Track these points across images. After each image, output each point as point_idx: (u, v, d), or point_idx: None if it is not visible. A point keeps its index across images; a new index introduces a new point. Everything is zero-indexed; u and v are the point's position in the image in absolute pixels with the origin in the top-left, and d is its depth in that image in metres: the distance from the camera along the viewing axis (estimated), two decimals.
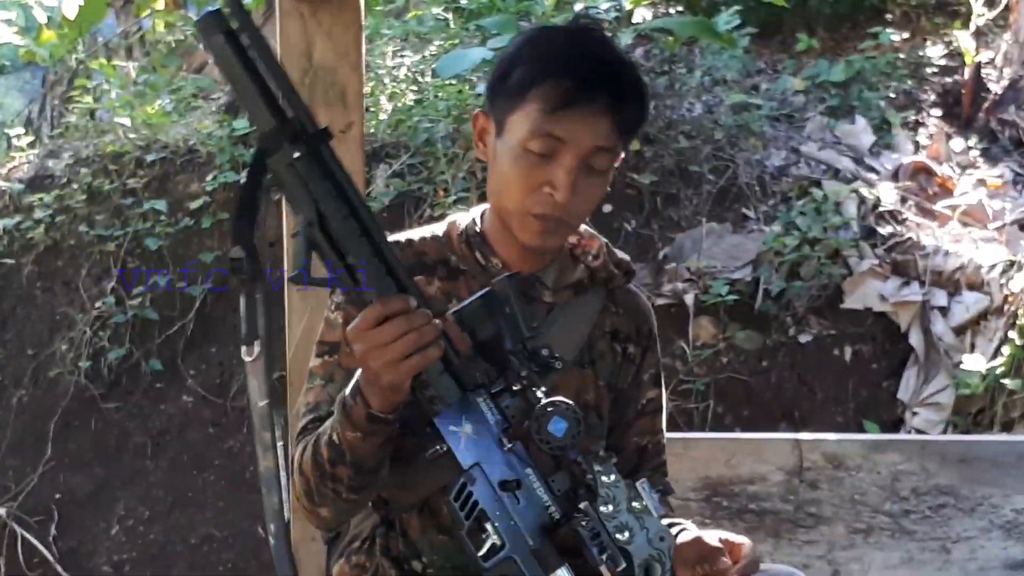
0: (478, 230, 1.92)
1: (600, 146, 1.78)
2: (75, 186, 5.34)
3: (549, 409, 1.56)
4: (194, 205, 5.24)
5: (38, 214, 5.27)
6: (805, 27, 6.72)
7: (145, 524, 4.85)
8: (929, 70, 6.38)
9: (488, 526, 1.56)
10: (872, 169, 5.58)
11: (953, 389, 4.65)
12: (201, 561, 4.77)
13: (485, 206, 1.96)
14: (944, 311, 4.87)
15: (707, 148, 5.54)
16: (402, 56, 6.07)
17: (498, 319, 1.59)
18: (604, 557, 1.55)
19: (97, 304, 5.11)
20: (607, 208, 5.30)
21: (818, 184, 5.36)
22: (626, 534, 1.56)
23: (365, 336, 1.52)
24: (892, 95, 6.13)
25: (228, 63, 1.46)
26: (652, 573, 1.56)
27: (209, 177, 5.26)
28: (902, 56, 6.41)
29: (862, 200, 5.27)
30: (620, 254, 2.05)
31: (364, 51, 3.21)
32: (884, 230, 5.17)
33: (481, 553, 1.56)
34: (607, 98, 1.76)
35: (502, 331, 1.59)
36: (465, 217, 1.97)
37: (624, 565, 1.56)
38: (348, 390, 1.64)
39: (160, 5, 6.54)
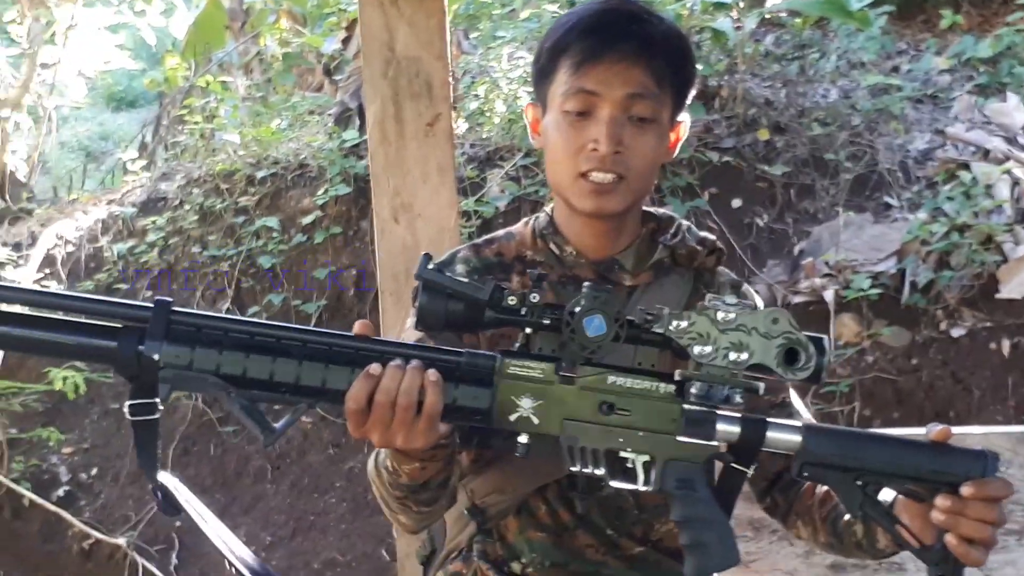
0: (549, 222, 1.89)
1: (634, 93, 1.73)
2: (187, 207, 5.27)
3: (575, 314, 1.45)
4: (306, 220, 5.11)
5: (151, 237, 5.21)
6: (949, 3, 6.33)
7: (267, 550, 4.71)
8: None
9: (623, 454, 1.49)
10: None
11: None
12: None
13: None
14: None
15: (843, 135, 5.24)
16: (518, 59, 5.86)
17: (444, 300, 1.47)
18: (736, 397, 1.46)
19: None
20: (736, 203, 5.03)
21: (966, 167, 5.00)
22: (743, 354, 1.43)
23: (367, 430, 1.45)
24: None
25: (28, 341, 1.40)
26: (797, 359, 1.43)
27: (320, 191, 5.14)
28: None
29: (1016, 182, 4.87)
30: (703, 233, 1.94)
31: (449, 40, 3.04)
32: None
33: (641, 481, 1.49)
34: (635, 46, 1.73)
35: (457, 304, 1.47)
36: (542, 214, 1.93)
37: (761, 385, 1.46)
38: None
39: (284, 23, 6.49)
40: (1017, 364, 4.53)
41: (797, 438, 1.47)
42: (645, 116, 1.75)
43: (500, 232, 1.96)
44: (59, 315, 1.41)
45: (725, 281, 1.94)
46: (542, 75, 1.80)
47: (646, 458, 1.49)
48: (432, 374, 1.44)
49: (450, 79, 2.99)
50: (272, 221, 5.12)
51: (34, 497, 4.77)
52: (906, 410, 4.55)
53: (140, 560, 4.67)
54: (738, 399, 1.46)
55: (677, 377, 1.47)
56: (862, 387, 4.56)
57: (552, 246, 1.86)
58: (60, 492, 4.93)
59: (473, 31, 6.40)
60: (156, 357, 1.37)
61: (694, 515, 1.48)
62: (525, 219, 1.95)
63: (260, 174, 5.28)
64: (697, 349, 1.44)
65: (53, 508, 4.75)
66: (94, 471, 4.93)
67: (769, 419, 1.49)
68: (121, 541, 4.69)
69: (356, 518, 4.71)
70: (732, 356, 1.43)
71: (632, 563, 1.84)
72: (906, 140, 5.27)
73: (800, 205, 5.08)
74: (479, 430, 1.53)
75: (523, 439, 1.48)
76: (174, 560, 4.73)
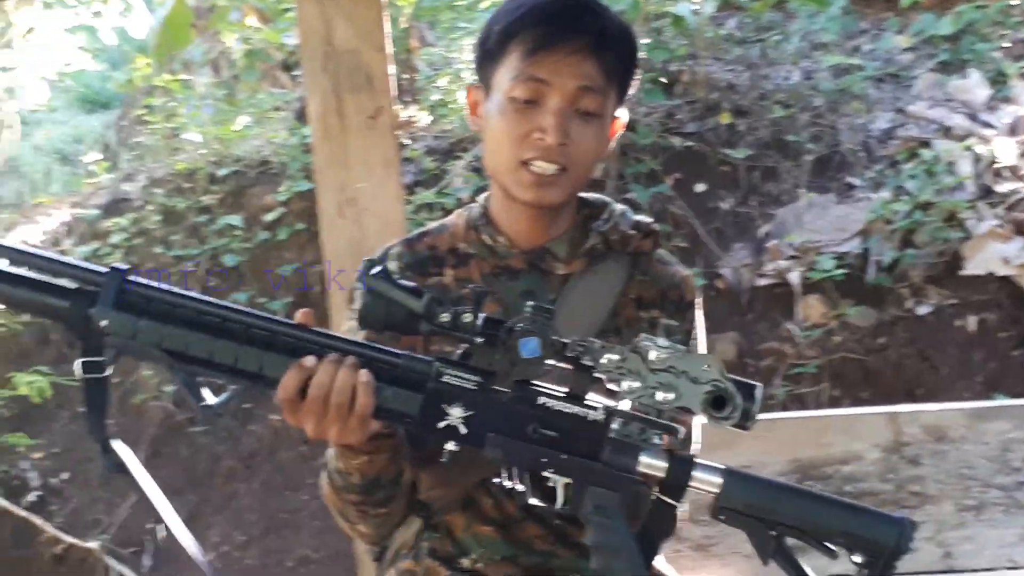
0: (483, 212, 1.90)
1: (586, 86, 1.74)
2: (150, 208, 5.24)
3: (513, 333, 1.47)
4: (270, 217, 5.09)
5: (115, 239, 5.19)
6: None
7: (240, 549, 4.70)
8: None
9: (546, 474, 1.52)
10: (988, 125, 5.16)
11: None
12: None
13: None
14: None
15: (805, 116, 5.24)
16: None
17: (384, 305, 1.49)
18: (655, 437, 1.50)
19: None
20: (700, 187, 5.02)
21: (928, 144, 5.00)
22: (670, 395, 1.46)
23: (300, 419, 1.51)
24: (1007, 44, 5.70)
25: None
26: (726, 403, 1.45)
27: (282, 187, 5.12)
28: (1016, 2, 5.95)
29: (977, 158, 4.87)
30: (640, 217, 1.95)
31: (391, 32, 3.03)
32: (1003, 188, 4.76)
33: (560, 502, 1.53)
34: (588, 39, 1.73)
35: (398, 309, 1.48)
36: (476, 205, 1.94)
37: (682, 432, 1.50)
38: None
39: (250, 20, 6.45)
40: (983, 340, 4.54)
41: (719, 480, 1.51)
42: (591, 110, 1.75)
43: (434, 224, 1.96)
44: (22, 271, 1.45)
45: (663, 270, 1.93)
46: (488, 57, 1.79)
47: (567, 480, 1.52)
48: (364, 375, 1.48)
49: (391, 71, 2.97)
50: (235, 219, 5.10)
51: (4, 503, 4.74)
52: (875, 389, 4.55)
53: (113, 563, 4.65)
54: (656, 440, 1.49)
55: (603, 408, 1.51)
56: (830, 367, 4.55)
57: (485, 237, 1.86)
58: (31, 497, 4.89)
59: (437, 24, 6.38)
60: (103, 323, 1.43)
61: (606, 543, 1.51)
62: (459, 210, 1.96)
63: (222, 172, 5.26)
64: (626, 384, 1.46)
65: (23, 514, 4.71)
66: (65, 475, 4.90)
67: (696, 458, 1.53)
68: (93, 545, 4.66)
69: (328, 515, 4.65)
70: (659, 396, 1.46)
71: (582, 551, 1.84)
72: (868, 120, 5.26)
73: (764, 188, 5.08)
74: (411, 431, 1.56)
75: (450, 446, 1.51)
76: (147, 562, 4.71)
